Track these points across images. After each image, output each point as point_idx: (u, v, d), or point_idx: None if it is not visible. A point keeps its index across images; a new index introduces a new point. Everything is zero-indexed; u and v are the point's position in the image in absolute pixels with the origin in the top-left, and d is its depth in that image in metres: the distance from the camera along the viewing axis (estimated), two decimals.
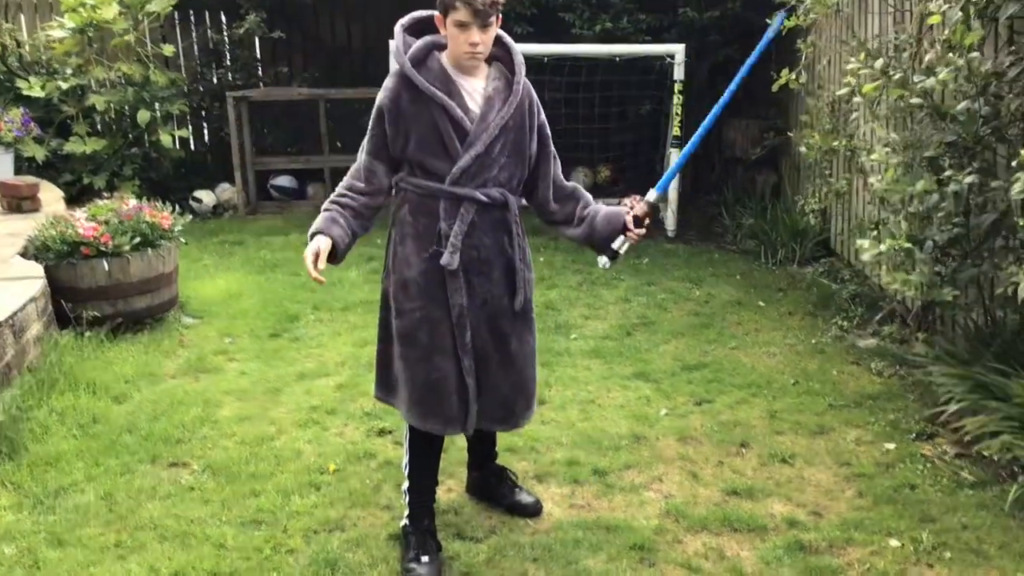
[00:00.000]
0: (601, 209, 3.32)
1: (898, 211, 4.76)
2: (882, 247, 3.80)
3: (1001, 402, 3.83)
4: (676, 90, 7.67)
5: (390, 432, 4.18)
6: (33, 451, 3.94)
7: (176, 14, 9.25)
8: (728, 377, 4.85)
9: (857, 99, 4.26)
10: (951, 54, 3.50)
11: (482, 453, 3.62)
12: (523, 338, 3.27)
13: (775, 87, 5.18)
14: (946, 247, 4.15)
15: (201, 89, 9.69)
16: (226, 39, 9.62)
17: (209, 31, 9.64)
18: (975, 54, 3.39)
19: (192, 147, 9.83)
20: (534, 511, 3.53)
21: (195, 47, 9.74)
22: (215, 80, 9.78)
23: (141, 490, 3.68)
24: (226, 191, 9.46)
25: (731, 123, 8.82)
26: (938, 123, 4.00)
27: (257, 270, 6.84)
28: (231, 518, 3.48)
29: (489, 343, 3.18)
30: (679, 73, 7.65)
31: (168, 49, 8.60)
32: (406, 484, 3.30)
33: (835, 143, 5.28)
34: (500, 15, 3.00)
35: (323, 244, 3.01)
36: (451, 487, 3.71)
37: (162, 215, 5.48)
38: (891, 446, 4.09)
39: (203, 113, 9.95)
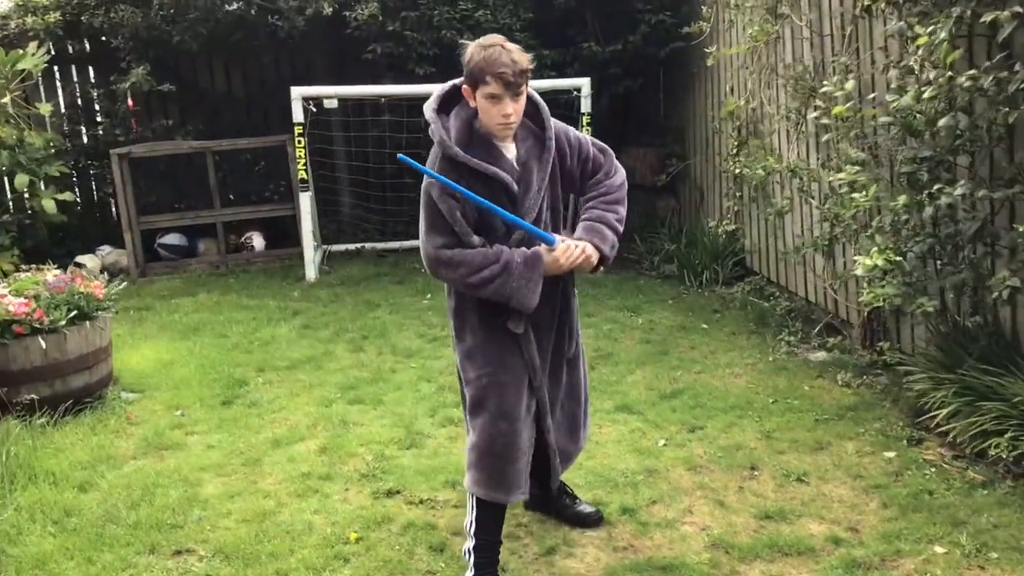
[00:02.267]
0: (584, 222, 3.18)
1: (850, 227, 4.95)
2: (878, 261, 3.91)
3: (994, 402, 3.99)
4: (584, 122, 7.76)
5: (398, 492, 3.98)
6: (13, 555, 3.53)
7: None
8: (709, 401, 4.89)
9: (827, 121, 4.39)
10: (934, 72, 3.66)
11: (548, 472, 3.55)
12: (578, 364, 3.43)
13: (724, 112, 5.29)
14: (920, 258, 4.32)
15: (70, 147, 9.14)
16: (97, 95, 9.11)
17: (77, 86, 9.12)
18: (972, 71, 3.55)
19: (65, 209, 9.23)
20: (596, 520, 3.63)
21: (61, 105, 9.19)
22: (85, 139, 9.26)
23: None
24: (110, 254, 8.93)
25: (629, 152, 8.98)
26: (908, 139, 4.17)
27: (180, 335, 6.45)
28: None
29: (554, 386, 3.28)
30: (586, 106, 7.76)
31: (45, 108, 8.05)
32: (471, 543, 3.17)
33: (776, 165, 5.44)
34: (528, 80, 2.98)
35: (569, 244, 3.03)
36: None
37: (94, 284, 5.09)
38: (891, 455, 4.20)
39: (75, 174, 9.38)
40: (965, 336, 4.44)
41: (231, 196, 9.32)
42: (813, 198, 5.51)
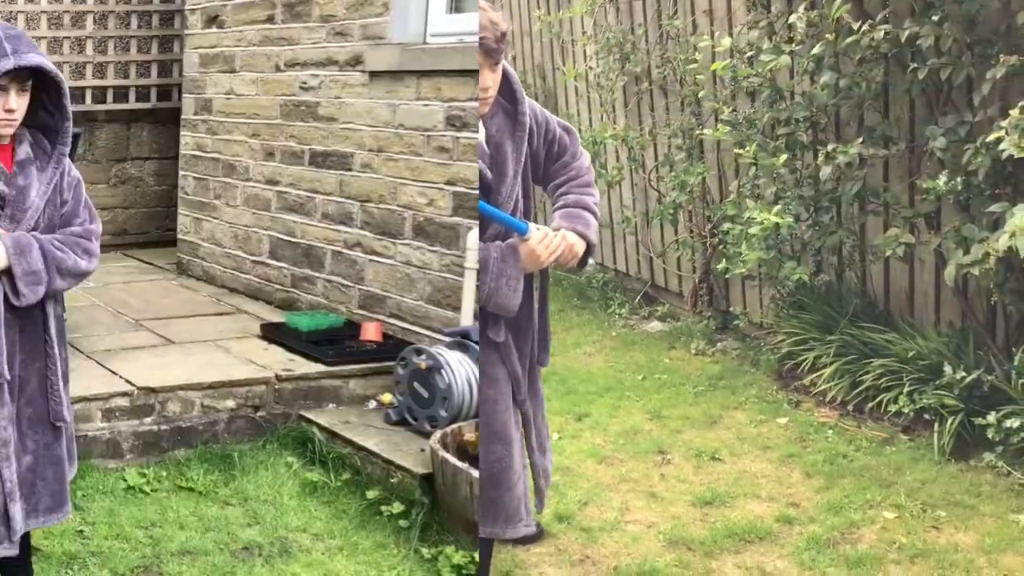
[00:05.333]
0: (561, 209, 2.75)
1: (693, 194, 4.88)
2: (778, 220, 3.83)
3: (882, 359, 4.01)
4: None
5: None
6: None
7: None
8: (579, 386, 4.65)
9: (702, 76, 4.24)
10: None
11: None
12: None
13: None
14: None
15: None
16: None
17: None
18: (886, 27, 3.49)
19: None
20: (537, 534, 3.23)
21: None
22: None
23: None
24: None
25: None
26: (776, 101, 4.12)
27: None
28: None
29: (534, 398, 2.79)
30: None
31: None
32: None
33: (608, 133, 5.27)
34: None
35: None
36: None
37: None
38: (783, 420, 4.16)
39: None
40: (831, 297, 4.48)
41: None
42: (643, 167, 5.41)
